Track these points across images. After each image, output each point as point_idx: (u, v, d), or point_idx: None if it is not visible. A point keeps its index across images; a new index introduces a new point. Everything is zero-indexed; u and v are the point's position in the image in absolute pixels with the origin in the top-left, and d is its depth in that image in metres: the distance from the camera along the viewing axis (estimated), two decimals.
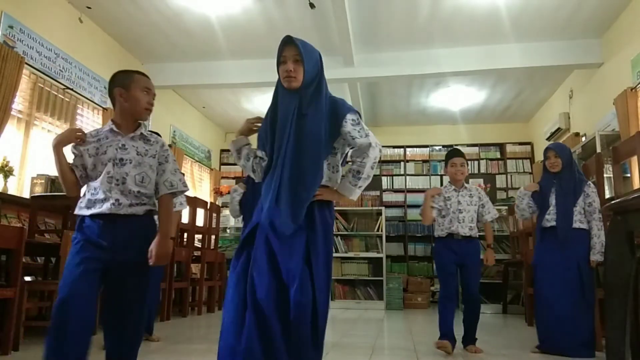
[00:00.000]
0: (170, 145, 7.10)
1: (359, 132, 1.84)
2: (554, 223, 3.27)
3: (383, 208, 6.96)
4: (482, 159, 8.63)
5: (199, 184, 8.24)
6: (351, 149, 1.91)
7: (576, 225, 3.24)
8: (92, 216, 1.91)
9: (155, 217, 2.04)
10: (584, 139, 5.86)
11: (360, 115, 1.91)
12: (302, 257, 1.77)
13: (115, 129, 2.00)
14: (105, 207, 1.89)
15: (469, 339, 3.36)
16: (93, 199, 1.92)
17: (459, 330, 3.37)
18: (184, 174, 2.17)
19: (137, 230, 1.94)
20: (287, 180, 1.79)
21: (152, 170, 2.00)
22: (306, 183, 1.79)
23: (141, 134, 2.03)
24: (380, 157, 1.89)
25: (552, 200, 3.31)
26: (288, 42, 1.86)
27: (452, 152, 3.56)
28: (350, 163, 1.92)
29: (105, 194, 1.91)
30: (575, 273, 3.17)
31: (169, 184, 2.01)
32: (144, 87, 2.01)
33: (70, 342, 1.76)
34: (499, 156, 8.62)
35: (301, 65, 1.83)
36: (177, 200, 3.76)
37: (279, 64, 1.89)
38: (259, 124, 2.01)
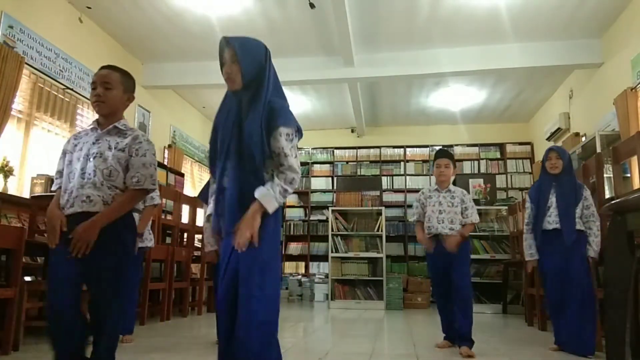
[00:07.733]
0: (170, 146, 7.11)
1: (290, 150, 1.69)
2: (556, 225, 3.24)
3: (383, 208, 6.95)
4: (482, 159, 8.64)
5: (199, 184, 8.23)
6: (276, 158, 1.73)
7: (578, 227, 3.25)
8: (68, 216, 1.90)
9: (136, 215, 2.01)
10: (584, 139, 5.86)
11: (299, 130, 1.75)
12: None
13: (95, 126, 2.01)
14: (77, 206, 1.88)
15: (463, 339, 3.30)
16: (68, 198, 1.91)
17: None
18: (156, 169, 2.05)
19: (109, 228, 1.87)
20: (231, 183, 1.71)
21: (120, 164, 1.93)
22: (247, 188, 1.68)
23: (115, 126, 1.99)
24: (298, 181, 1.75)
25: (552, 202, 3.32)
26: (225, 43, 1.74)
27: (438, 153, 3.56)
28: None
29: (78, 191, 1.89)
30: (578, 274, 3.17)
31: (135, 180, 1.93)
32: (91, 84, 2.01)
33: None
34: (499, 156, 8.63)
35: (238, 66, 1.70)
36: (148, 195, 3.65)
37: (221, 66, 1.76)
38: None
